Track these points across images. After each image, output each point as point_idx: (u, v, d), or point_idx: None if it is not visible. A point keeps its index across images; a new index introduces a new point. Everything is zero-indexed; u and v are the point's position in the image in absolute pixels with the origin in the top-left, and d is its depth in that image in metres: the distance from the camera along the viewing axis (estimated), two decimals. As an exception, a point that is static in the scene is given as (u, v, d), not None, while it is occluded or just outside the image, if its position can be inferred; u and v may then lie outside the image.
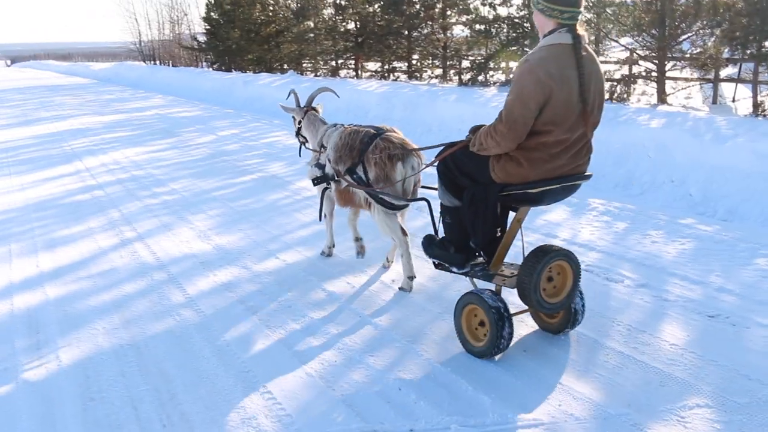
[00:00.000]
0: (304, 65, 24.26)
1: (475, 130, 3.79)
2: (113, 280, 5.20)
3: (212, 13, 30.59)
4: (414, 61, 19.57)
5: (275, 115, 15.50)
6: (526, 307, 3.93)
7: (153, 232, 6.45)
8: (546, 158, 3.47)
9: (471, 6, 16.57)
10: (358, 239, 5.44)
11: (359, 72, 21.35)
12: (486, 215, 3.71)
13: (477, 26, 16.32)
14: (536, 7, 3.51)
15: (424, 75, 19.23)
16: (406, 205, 4.73)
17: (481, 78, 15.87)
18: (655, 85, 12.33)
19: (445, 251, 4.09)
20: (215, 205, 7.45)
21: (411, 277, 4.76)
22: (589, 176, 3.70)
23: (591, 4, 13.36)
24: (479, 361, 3.75)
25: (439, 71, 19.05)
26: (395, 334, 4.11)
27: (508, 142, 3.44)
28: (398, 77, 19.73)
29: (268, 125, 13.90)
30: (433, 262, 4.24)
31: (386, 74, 20.09)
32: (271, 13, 25.66)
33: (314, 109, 5.70)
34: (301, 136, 5.71)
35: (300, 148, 5.82)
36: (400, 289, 4.79)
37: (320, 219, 5.50)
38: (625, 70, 13.01)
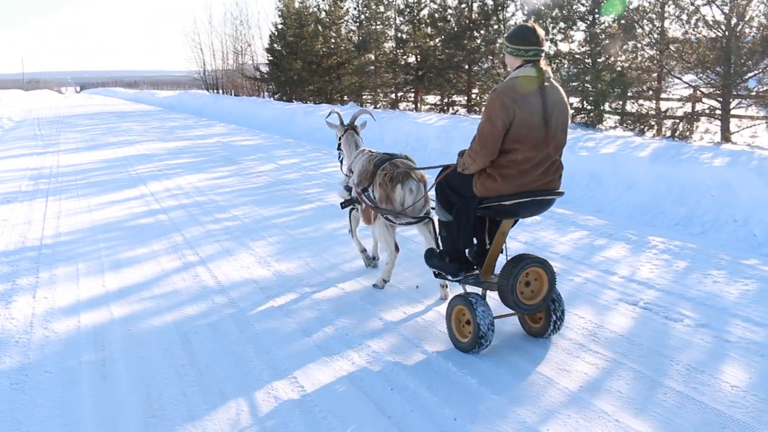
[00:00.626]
0: (363, 97, 24.58)
1: (461, 153, 4.35)
2: (175, 301, 5.35)
3: (275, 45, 31.29)
4: (473, 95, 19.66)
5: (335, 146, 15.71)
6: (511, 311, 4.54)
7: (214, 257, 6.61)
8: (516, 174, 4.06)
9: (532, 41, 16.58)
10: (364, 251, 6.22)
11: (419, 105, 21.54)
12: (467, 225, 4.30)
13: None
14: (506, 51, 4.19)
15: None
16: (411, 222, 5.23)
17: (540, 113, 15.81)
18: (718, 123, 12.15)
19: (441, 261, 4.65)
20: (275, 232, 7.60)
21: (385, 281, 5.56)
22: (560, 193, 4.24)
23: (654, 41, 13.29)
24: (539, 394, 3.75)
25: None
26: (451, 365, 4.13)
27: (482, 158, 4.08)
28: (457, 111, 19.84)
29: (327, 155, 14.10)
30: (433, 272, 4.82)
31: (445, 107, 20.23)
32: (332, 46, 26.10)
33: (354, 128, 6.36)
34: (340, 150, 6.41)
35: (339, 157, 6.47)
36: (373, 286, 5.60)
37: (351, 234, 6.25)
38: (688, 107, 12.85)
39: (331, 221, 8.03)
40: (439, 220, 4.67)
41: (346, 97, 25.30)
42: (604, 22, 14.59)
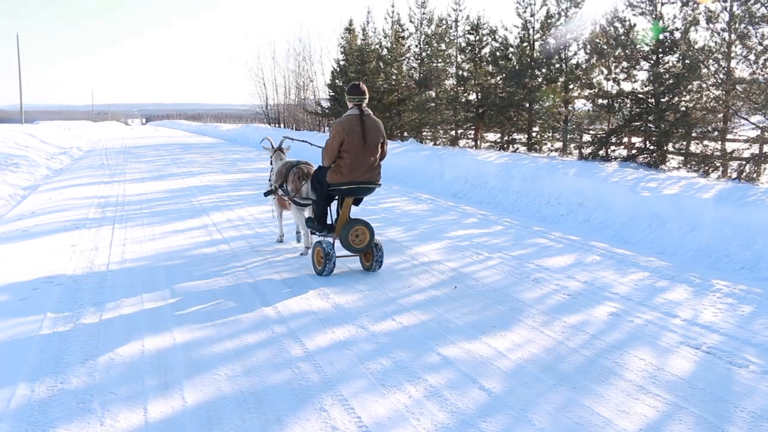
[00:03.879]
0: (423, 134, 24.73)
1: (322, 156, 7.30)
2: (236, 329, 5.46)
3: (337, 81, 31.84)
4: (534, 134, 19.61)
5: (394, 180, 15.84)
6: (352, 254, 7.43)
7: (273, 288, 6.72)
8: (347, 170, 7.05)
9: (594, 80, 16.53)
10: (283, 236, 9.04)
11: (478, 142, 21.58)
12: (322, 200, 7.46)
13: (599, 101, 16.23)
14: (346, 99, 7.23)
15: (544, 147, 19.20)
16: (308, 204, 8.06)
17: (602, 153, 15.73)
18: (787, 165, 11.91)
19: (313, 223, 7.64)
20: (337, 265, 7.67)
21: (308, 248, 8.32)
22: (377, 184, 7.33)
23: (720, 81, 13.12)
24: (593, 435, 3.73)
25: (559, 144, 19.00)
26: (509, 401, 4.13)
27: (328, 159, 7.14)
28: (517, 149, 19.80)
29: (386, 190, 14.23)
30: (311, 231, 7.85)
31: (505, 145, 20.20)
32: (394, 82, 26.39)
33: (281, 150, 9.23)
34: (271, 164, 9.34)
35: (270, 170, 9.31)
36: (301, 254, 8.24)
37: (273, 216, 9.38)
38: (755, 149, 12.61)
39: (389, 256, 8.10)
40: (311, 199, 7.84)
41: (406, 134, 25.47)
42: (668, 62, 14.49)
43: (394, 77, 26.45)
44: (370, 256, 7.39)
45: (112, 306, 6.13)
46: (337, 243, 7.53)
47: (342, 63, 31.12)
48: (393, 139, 25.09)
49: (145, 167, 21.09)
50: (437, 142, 23.61)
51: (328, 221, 7.66)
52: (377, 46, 28.50)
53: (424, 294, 6.52)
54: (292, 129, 40.31)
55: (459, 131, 23.02)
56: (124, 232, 9.78)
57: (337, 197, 7.46)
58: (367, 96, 7.25)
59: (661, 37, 14.40)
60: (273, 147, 9.29)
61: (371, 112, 7.21)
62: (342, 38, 32.96)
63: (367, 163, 7.10)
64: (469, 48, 21.64)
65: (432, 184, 15.20)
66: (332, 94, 32.81)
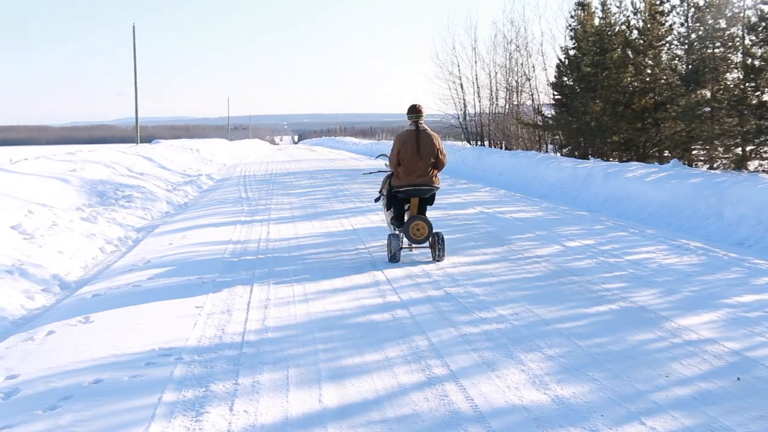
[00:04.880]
0: (693, 152, 24.05)
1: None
2: (415, 428, 5.56)
3: (565, 78, 31.73)
4: None
5: (649, 222, 15.55)
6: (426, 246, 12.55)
7: (470, 371, 6.80)
8: (404, 175, 12.27)
9: None
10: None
11: (778, 164, 20.76)
12: (389, 201, 12.96)
13: None
14: (407, 117, 12.64)
15: None
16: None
17: None
18: None
19: (393, 221, 12.84)
20: (557, 341, 7.66)
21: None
22: (432, 186, 12.38)
23: None
24: None
25: None
26: None
27: (391, 165, 12.61)
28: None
29: (637, 236, 14.02)
30: (394, 227, 12.93)
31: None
32: (648, 79, 25.99)
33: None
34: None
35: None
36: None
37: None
38: None
39: (638, 330, 7.96)
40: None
41: (666, 152, 24.92)
42: None
43: (648, 71, 26.04)
44: (434, 245, 12.14)
45: (247, 389, 6.42)
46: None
47: (572, 53, 31.08)
48: (647, 160, 24.57)
49: (297, 202, 21.97)
50: (714, 165, 22.92)
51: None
52: (623, 27, 28.21)
53: (689, 387, 6.36)
54: (500, 147, 40.47)
55: (748, 148, 22.21)
56: (266, 289, 10.25)
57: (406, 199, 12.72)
58: (423, 114, 12.47)
59: None
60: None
61: (427, 128, 12.47)
62: (572, 17, 32.90)
63: (419, 169, 12.22)
64: (764, 24, 20.92)
65: (704, 225, 14.83)
66: (558, 97, 32.63)
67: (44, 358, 7.40)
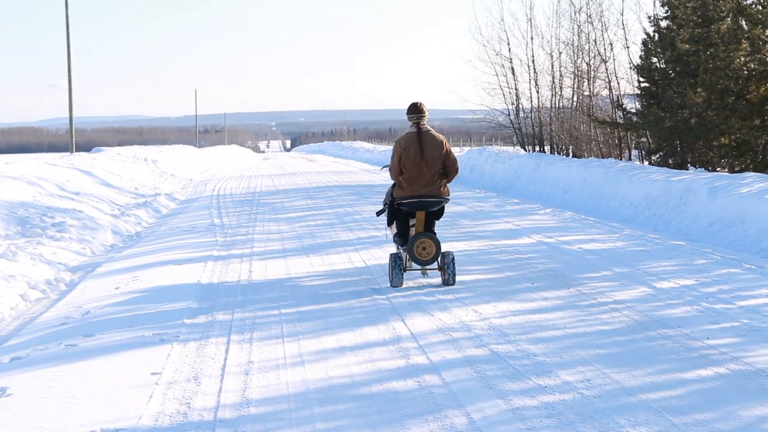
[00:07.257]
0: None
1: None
2: None
3: (653, 59, 31.58)
4: None
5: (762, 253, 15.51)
6: (433, 267, 14.12)
7: (526, 460, 6.78)
8: (407, 185, 13.85)
9: None
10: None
11: None
12: (391, 215, 14.66)
13: None
14: (407, 118, 14.32)
15: None
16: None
17: None
18: None
19: (396, 238, 14.65)
20: (643, 417, 7.62)
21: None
22: (440, 197, 13.95)
23: None
24: None
25: None
26: None
27: (393, 175, 14.20)
28: None
29: (755, 273, 14.03)
30: (397, 245, 14.83)
31: None
32: (768, 59, 25.89)
33: None
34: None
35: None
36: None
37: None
38: None
39: (756, 402, 7.93)
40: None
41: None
42: None
43: (768, 47, 26.00)
44: (443, 268, 13.69)
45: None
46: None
47: (664, 24, 31.05)
48: (764, 170, 24.28)
49: (289, 230, 21.94)
50: None
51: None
52: (733, -10, 28.17)
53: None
54: (565, 154, 40.25)
55: None
56: (247, 348, 10.23)
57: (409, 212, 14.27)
58: (426, 114, 13.96)
59: None
60: None
61: (431, 129, 13.95)
62: (662, -21, 32.82)
63: (425, 178, 13.63)
64: None
65: None
66: (645, 85, 32.46)
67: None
